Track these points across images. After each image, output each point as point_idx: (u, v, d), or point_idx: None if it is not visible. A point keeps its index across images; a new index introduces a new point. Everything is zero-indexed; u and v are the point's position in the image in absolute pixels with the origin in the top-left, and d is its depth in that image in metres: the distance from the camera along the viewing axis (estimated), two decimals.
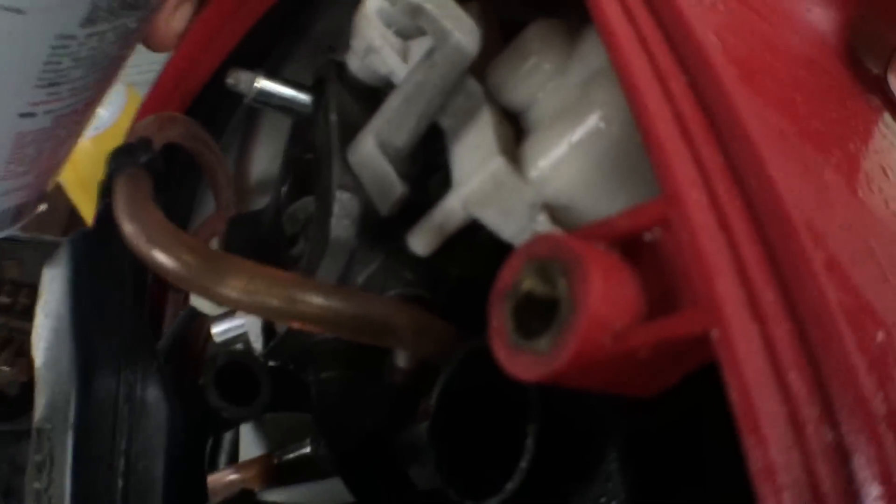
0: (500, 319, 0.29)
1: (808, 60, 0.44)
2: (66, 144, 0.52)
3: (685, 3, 0.36)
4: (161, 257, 0.41)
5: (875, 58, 0.49)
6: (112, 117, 1.11)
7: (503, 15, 0.54)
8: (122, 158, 0.49)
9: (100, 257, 0.50)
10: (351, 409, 0.50)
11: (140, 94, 0.74)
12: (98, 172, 0.53)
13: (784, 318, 0.25)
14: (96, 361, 0.46)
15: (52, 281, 0.50)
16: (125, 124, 0.70)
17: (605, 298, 0.26)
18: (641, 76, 0.33)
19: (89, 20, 0.40)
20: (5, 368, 1.42)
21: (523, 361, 0.27)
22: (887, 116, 0.47)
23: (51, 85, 0.43)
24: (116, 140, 0.70)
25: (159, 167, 0.50)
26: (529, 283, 0.28)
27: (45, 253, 0.62)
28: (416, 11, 0.40)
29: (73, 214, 1.20)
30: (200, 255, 0.41)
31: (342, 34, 0.54)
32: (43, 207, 0.58)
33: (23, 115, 0.45)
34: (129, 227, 0.43)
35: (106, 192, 0.51)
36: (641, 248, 0.28)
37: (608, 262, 0.27)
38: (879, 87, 0.49)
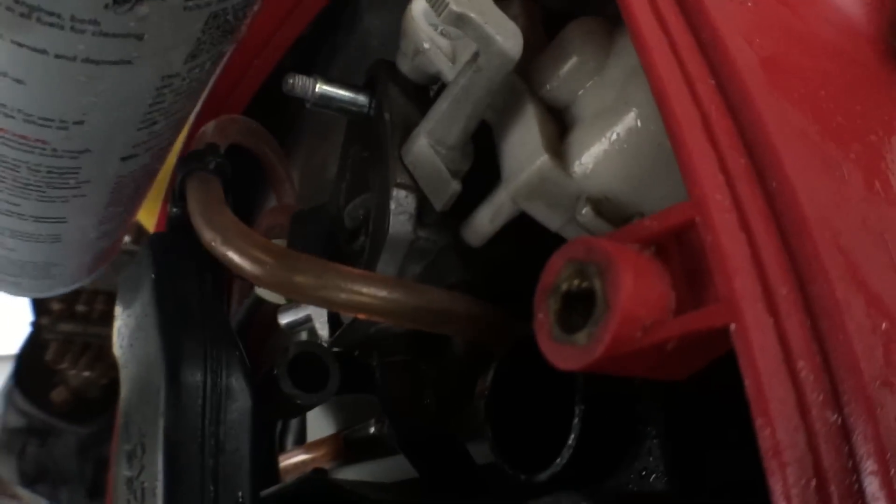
0: (544, 315, 0.32)
1: (837, 51, 0.46)
2: (156, 175, 0.53)
3: (714, 4, 0.38)
4: (237, 258, 0.45)
5: None
6: None
7: (546, 6, 0.57)
8: (192, 164, 0.53)
9: (179, 256, 0.53)
10: (413, 391, 0.54)
11: None
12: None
13: (796, 310, 0.28)
14: (183, 353, 0.49)
15: (134, 281, 0.54)
16: None
17: (636, 297, 0.29)
18: (670, 81, 0.35)
19: (192, 56, 0.40)
20: (86, 373, 1.49)
21: (565, 353, 0.31)
22: None
23: (153, 124, 0.43)
24: None
25: (227, 170, 0.54)
26: (569, 282, 0.31)
27: (117, 260, 0.65)
28: (460, 19, 0.43)
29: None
30: (273, 255, 0.44)
31: (389, 33, 0.57)
32: (128, 238, 0.59)
33: (124, 159, 0.45)
34: (205, 231, 0.47)
35: (178, 197, 0.54)
36: (671, 248, 0.31)
37: (639, 263, 0.30)
38: None
